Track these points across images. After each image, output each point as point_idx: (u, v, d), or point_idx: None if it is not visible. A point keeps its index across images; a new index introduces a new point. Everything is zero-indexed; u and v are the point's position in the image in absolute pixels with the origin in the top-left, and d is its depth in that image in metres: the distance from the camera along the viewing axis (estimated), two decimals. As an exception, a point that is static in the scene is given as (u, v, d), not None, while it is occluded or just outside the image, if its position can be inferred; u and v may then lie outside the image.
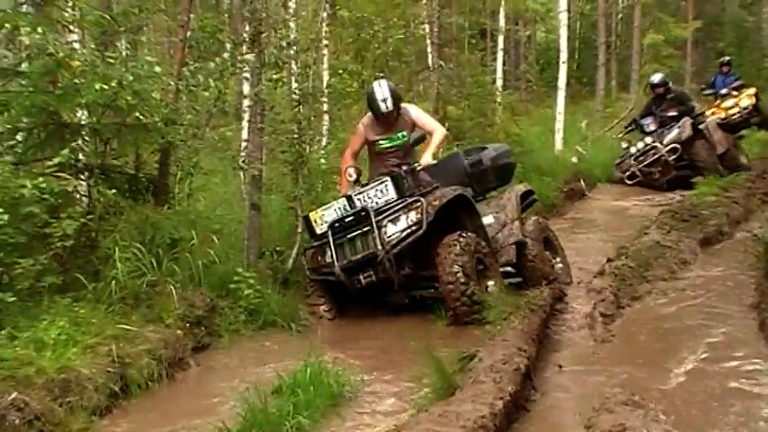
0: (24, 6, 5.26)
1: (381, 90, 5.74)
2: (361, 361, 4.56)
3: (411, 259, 5.43)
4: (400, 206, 5.33)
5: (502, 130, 11.27)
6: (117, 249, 4.80)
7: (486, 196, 6.42)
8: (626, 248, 6.25)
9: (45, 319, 4.07)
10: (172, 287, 4.86)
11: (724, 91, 13.07)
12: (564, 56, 12.71)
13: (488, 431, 3.03)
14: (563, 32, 13.01)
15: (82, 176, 5.07)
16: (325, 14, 10.05)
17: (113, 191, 5.06)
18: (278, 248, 6.11)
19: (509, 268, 5.85)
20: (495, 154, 6.41)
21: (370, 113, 5.88)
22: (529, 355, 3.90)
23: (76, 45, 5.28)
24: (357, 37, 10.61)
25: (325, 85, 8.73)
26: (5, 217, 4.12)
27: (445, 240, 5.22)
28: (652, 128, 10.86)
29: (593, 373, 4.13)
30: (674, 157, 10.49)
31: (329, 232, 5.44)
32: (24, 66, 5.09)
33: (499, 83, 14.10)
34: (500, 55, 14.93)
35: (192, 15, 6.47)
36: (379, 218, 5.31)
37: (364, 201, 5.46)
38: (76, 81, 4.80)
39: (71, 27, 5.43)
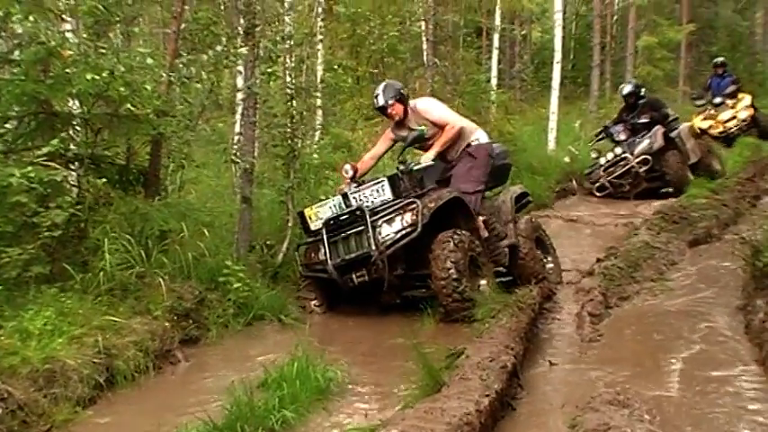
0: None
1: (378, 87, 5.85)
2: (348, 356, 4.56)
3: (404, 260, 5.42)
4: (396, 207, 5.31)
5: (495, 129, 11.26)
6: (106, 240, 4.77)
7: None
8: (615, 249, 6.27)
9: (31, 309, 4.06)
10: (160, 279, 4.85)
11: (718, 100, 12.84)
12: (558, 56, 12.69)
13: (474, 428, 3.03)
14: (558, 33, 13.01)
15: (72, 166, 5.04)
16: (320, 9, 10.03)
17: (103, 181, 5.04)
18: (268, 242, 6.11)
19: (500, 268, 5.86)
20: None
21: None
22: (516, 354, 3.91)
23: (69, 34, 5.24)
24: (352, 33, 10.59)
25: (319, 80, 8.73)
26: (-7, 206, 4.11)
27: (439, 237, 5.21)
28: (622, 137, 10.38)
29: (580, 371, 4.14)
30: (644, 168, 10.00)
31: (324, 230, 5.43)
32: (16, 54, 5.05)
33: (494, 81, 14.08)
34: (495, 53, 14.90)
35: (186, 7, 6.44)
36: (375, 218, 5.29)
37: (360, 200, 5.44)
38: (68, 70, 4.77)
39: (64, 16, 5.39)
